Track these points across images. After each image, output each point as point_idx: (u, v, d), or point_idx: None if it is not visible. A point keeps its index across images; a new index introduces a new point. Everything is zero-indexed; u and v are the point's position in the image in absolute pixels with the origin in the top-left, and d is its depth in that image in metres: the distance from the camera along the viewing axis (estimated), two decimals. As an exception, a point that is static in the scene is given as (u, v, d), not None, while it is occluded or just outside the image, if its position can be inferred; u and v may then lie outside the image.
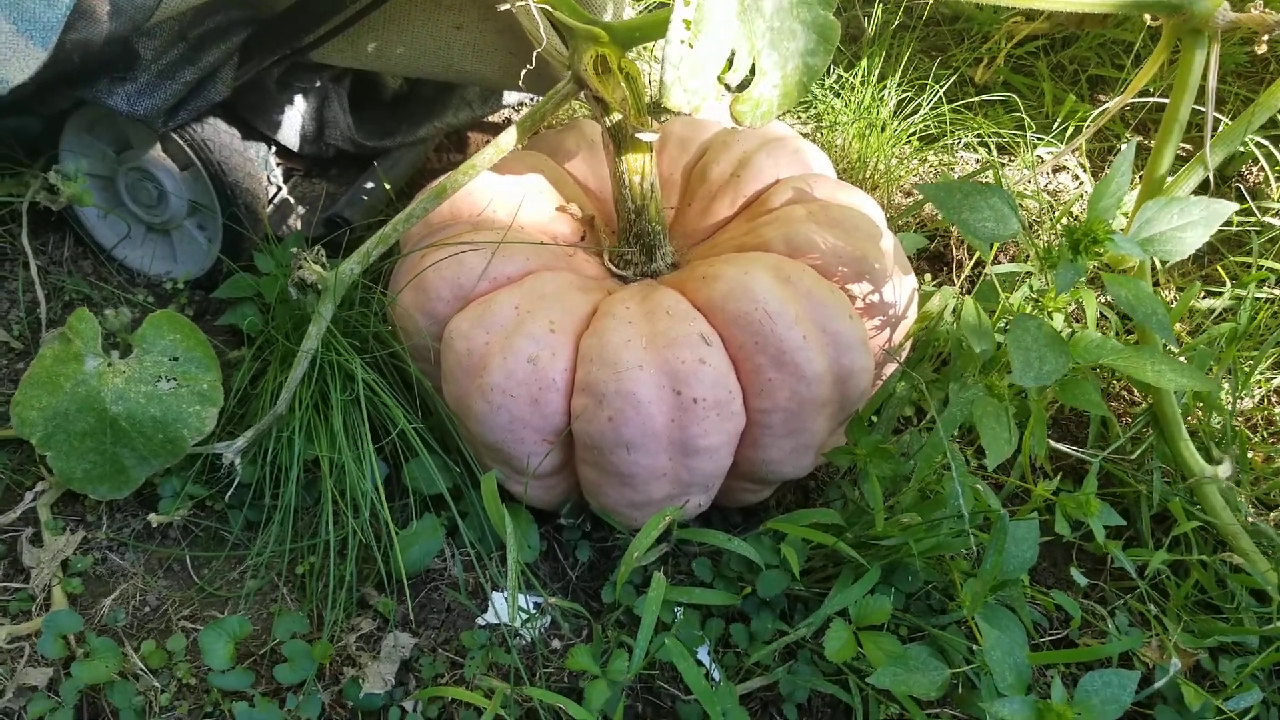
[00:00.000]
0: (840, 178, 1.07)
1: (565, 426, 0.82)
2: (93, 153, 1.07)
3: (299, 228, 1.12)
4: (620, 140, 0.90)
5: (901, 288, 0.92)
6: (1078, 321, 1.23)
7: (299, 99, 1.10)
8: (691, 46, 0.75)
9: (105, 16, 0.89)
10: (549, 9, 0.87)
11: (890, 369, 0.94)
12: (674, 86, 0.77)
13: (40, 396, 0.82)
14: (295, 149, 1.12)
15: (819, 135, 1.46)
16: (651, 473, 0.79)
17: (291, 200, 1.13)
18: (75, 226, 1.14)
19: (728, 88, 0.79)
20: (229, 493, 0.87)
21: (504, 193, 0.95)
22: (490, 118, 1.39)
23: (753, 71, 0.78)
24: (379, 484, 0.85)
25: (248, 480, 0.87)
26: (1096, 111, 1.42)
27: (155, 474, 0.89)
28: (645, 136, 0.89)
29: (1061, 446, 0.99)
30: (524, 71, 1.00)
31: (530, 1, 0.85)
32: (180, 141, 1.03)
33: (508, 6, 0.87)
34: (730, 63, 0.77)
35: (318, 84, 1.10)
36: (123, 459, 0.85)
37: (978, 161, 1.44)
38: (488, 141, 0.97)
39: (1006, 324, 1.05)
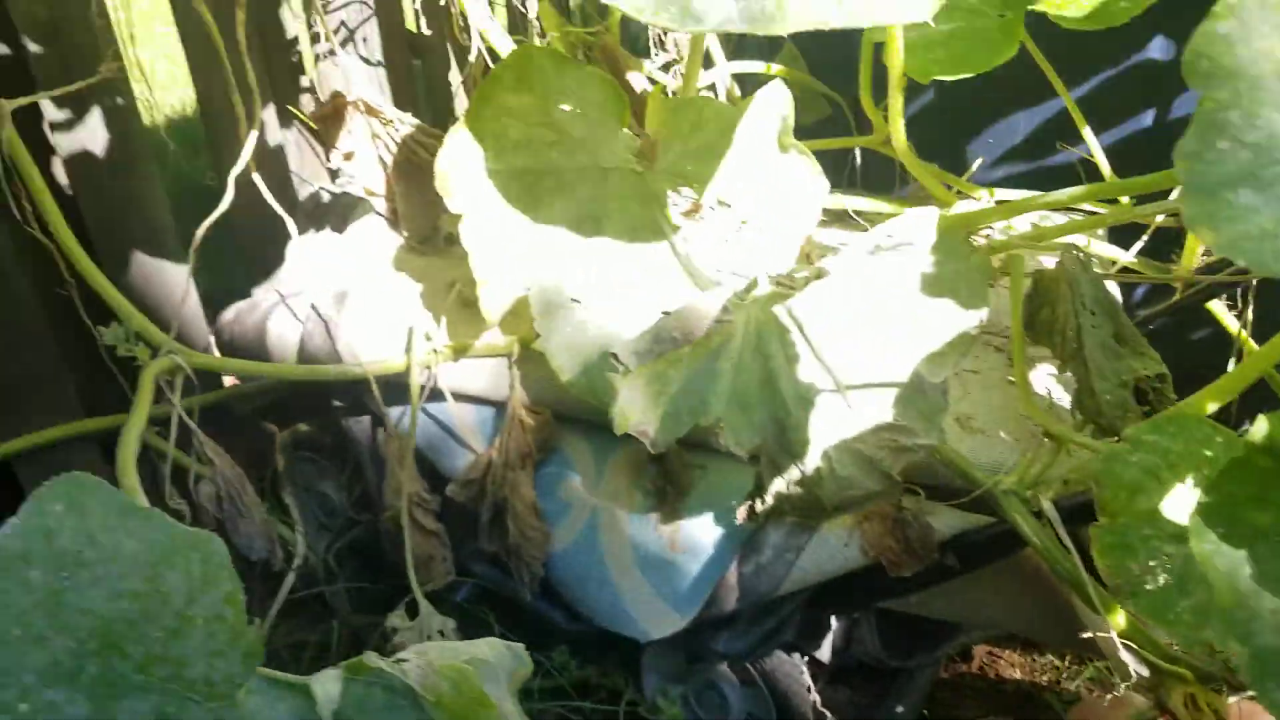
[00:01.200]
0: None
1: None
2: (671, 667, 1.32)
3: (832, 743, 1.27)
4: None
5: None
6: None
7: (833, 620, 1.29)
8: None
9: (734, 596, 1.13)
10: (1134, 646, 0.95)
11: None
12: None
13: None
14: (825, 661, 1.29)
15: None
16: None
17: (825, 712, 1.28)
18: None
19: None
20: None
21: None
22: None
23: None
24: None
25: None
26: None
27: None
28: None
29: None
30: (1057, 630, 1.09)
31: (1114, 639, 0.95)
32: (750, 665, 1.24)
33: (1091, 635, 0.98)
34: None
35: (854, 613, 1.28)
36: None
37: None
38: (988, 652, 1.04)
39: None
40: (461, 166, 1.05)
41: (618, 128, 1.05)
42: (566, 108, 1.03)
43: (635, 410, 0.99)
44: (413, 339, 1.19)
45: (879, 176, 1.50)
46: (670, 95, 1.44)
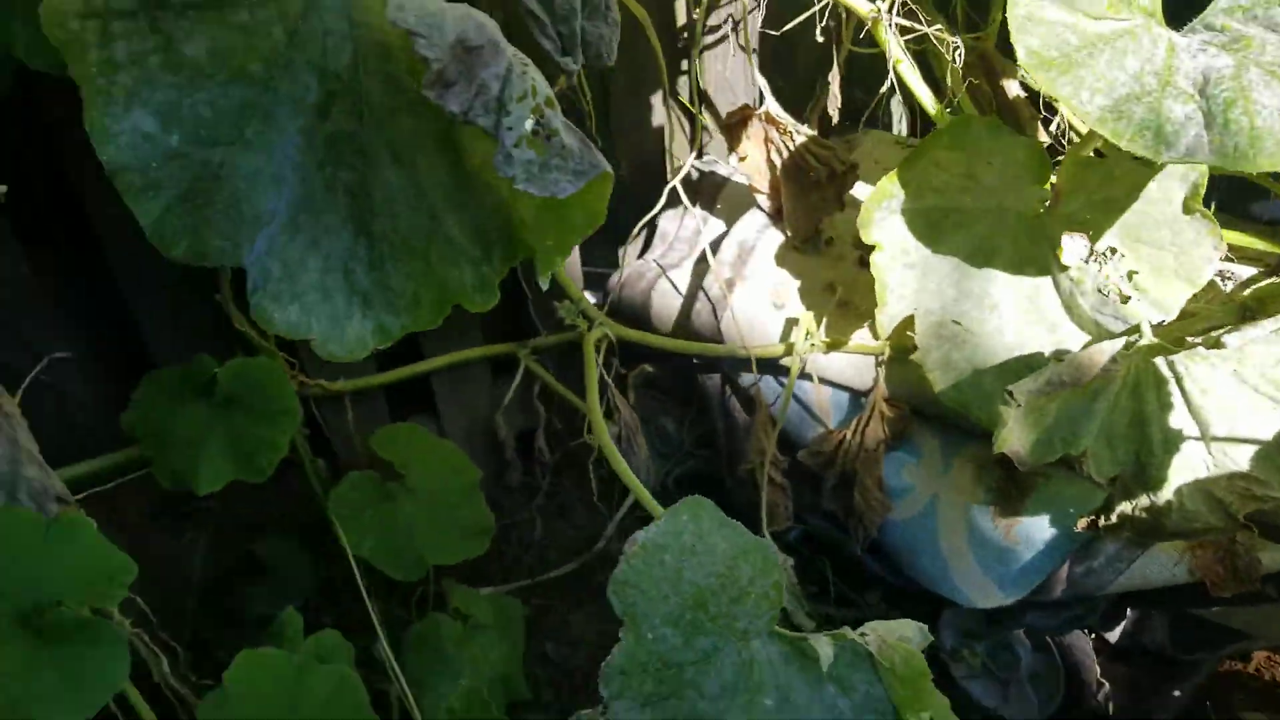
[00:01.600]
0: None
1: None
2: (968, 624, 1.54)
3: (1111, 710, 1.48)
4: None
5: None
6: None
7: (1127, 610, 1.46)
8: None
9: (1061, 588, 1.32)
10: None
11: None
12: None
13: None
14: (1113, 642, 1.48)
15: None
16: None
17: (1104, 682, 1.48)
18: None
19: None
20: None
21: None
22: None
23: None
24: None
25: None
26: None
27: None
28: None
29: None
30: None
31: None
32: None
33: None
34: None
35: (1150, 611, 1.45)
36: None
37: None
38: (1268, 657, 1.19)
39: None
40: (883, 206, 1.22)
41: (1033, 184, 1.18)
42: (991, 163, 1.16)
43: (1014, 436, 1.17)
44: (795, 331, 1.40)
45: (1229, 187, 1.54)
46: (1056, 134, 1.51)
